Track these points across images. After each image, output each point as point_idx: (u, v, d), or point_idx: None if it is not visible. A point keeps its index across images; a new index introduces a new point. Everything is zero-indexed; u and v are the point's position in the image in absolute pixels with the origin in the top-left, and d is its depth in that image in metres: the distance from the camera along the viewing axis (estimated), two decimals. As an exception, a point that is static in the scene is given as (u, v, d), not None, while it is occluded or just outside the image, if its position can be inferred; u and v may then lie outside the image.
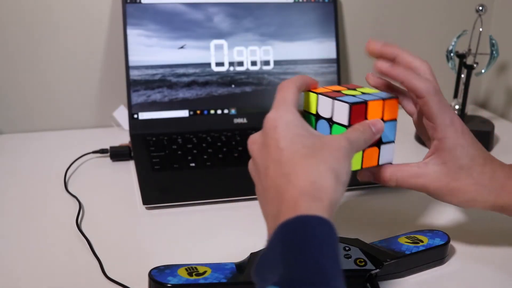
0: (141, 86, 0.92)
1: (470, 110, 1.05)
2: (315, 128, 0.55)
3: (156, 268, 0.54)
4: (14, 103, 0.96)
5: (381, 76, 0.56)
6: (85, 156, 0.86)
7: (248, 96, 0.97)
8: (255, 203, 0.71)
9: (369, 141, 0.51)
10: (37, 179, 0.80)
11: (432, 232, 0.63)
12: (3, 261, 0.60)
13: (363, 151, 0.54)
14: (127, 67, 0.92)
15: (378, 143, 0.55)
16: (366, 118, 0.53)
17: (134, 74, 0.92)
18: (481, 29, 0.92)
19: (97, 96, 0.99)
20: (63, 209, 0.71)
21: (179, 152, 0.85)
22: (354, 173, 0.55)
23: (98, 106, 0.99)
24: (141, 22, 0.92)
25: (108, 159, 0.87)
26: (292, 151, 0.45)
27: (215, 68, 0.95)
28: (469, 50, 0.95)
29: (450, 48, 0.95)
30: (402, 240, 0.61)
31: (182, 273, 0.53)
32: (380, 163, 0.56)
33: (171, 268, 0.54)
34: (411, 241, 0.60)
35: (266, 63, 0.98)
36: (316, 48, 0.99)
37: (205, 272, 0.54)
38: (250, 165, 0.51)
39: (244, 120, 0.96)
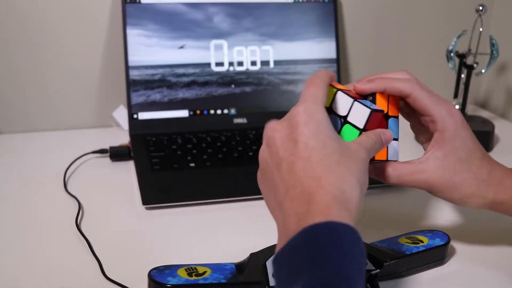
0: (141, 86, 0.92)
1: (470, 110, 1.05)
2: None
3: (156, 269, 0.54)
4: (14, 103, 0.95)
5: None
6: (84, 156, 0.86)
7: (248, 96, 0.97)
8: (255, 203, 0.71)
9: (379, 150, 0.51)
10: (36, 179, 0.79)
11: (432, 232, 0.63)
12: (3, 261, 0.60)
13: None
14: (127, 67, 0.91)
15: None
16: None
17: (134, 74, 0.92)
18: (481, 29, 0.92)
19: (97, 96, 0.99)
20: (63, 209, 0.71)
21: (179, 152, 0.85)
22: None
23: (97, 106, 0.99)
24: (141, 22, 0.92)
25: (108, 159, 0.87)
26: (324, 154, 0.44)
27: (215, 68, 0.95)
28: (469, 50, 0.95)
29: (450, 48, 0.95)
30: (402, 240, 0.61)
31: (182, 273, 0.53)
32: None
33: (171, 269, 0.54)
34: (411, 242, 0.60)
35: (266, 63, 0.97)
36: (316, 48, 0.99)
37: (204, 272, 0.54)
38: (265, 152, 0.49)
39: (244, 120, 0.96)
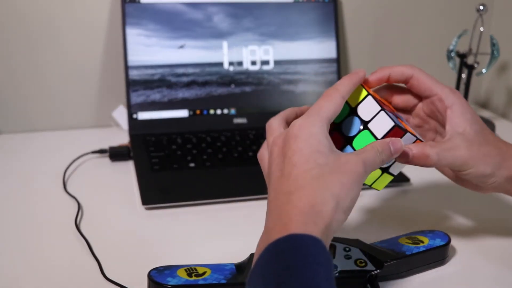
0: (141, 86, 0.92)
1: (470, 110, 1.05)
2: (343, 121, 0.53)
3: (156, 269, 0.54)
4: (13, 103, 0.95)
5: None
6: (84, 156, 0.86)
7: (248, 96, 0.96)
8: (255, 204, 0.71)
9: (387, 161, 0.50)
10: (36, 179, 0.79)
11: (432, 232, 0.63)
12: (2, 261, 0.60)
13: None
14: (126, 67, 0.91)
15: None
16: None
17: (134, 74, 0.92)
18: (481, 29, 0.92)
19: (96, 96, 0.99)
20: (62, 210, 0.71)
21: (179, 152, 0.85)
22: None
23: (97, 106, 0.99)
24: (141, 21, 0.92)
25: (107, 159, 0.86)
26: (303, 169, 0.45)
27: (215, 68, 0.95)
28: (470, 50, 0.95)
29: (451, 48, 0.95)
30: (403, 240, 0.61)
31: (182, 273, 0.53)
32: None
33: (171, 269, 0.54)
34: (411, 242, 0.60)
35: (266, 63, 0.97)
36: (316, 48, 0.99)
37: (204, 273, 0.54)
38: (266, 163, 0.51)
39: (244, 120, 0.96)
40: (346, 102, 0.53)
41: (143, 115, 0.92)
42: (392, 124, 0.51)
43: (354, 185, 0.45)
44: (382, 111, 0.52)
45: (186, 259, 0.58)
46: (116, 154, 0.86)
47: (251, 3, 0.96)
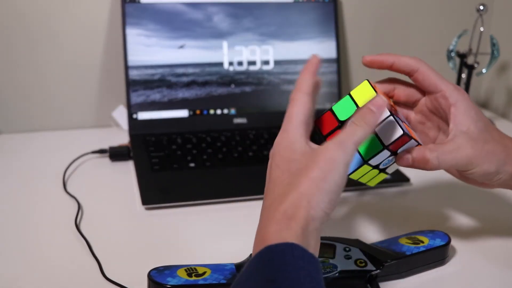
0: (140, 86, 0.92)
1: (470, 110, 1.05)
2: (348, 119, 0.51)
3: (156, 269, 0.54)
4: (13, 103, 0.95)
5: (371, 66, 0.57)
6: (84, 156, 0.86)
7: (248, 96, 0.96)
8: (255, 204, 0.71)
9: (373, 122, 0.48)
10: (36, 179, 0.79)
11: (432, 232, 0.63)
12: (2, 261, 0.60)
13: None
14: (126, 67, 0.91)
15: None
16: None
17: (133, 74, 0.92)
18: (482, 29, 0.92)
19: (96, 96, 0.98)
20: (62, 210, 0.71)
21: (179, 152, 0.85)
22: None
23: (97, 106, 0.99)
24: (141, 21, 0.91)
25: (107, 159, 0.86)
26: (279, 182, 0.47)
27: (215, 68, 0.95)
28: (470, 49, 0.94)
29: (451, 48, 0.95)
30: (403, 240, 0.61)
31: (182, 274, 0.53)
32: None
33: (171, 269, 0.54)
34: (411, 242, 0.60)
35: (266, 63, 0.97)
36: (316, 48, 0.99)
37: (204, 273, 0.54)
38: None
39: (244, 120, 0.96)
40: (353, 100, 0.52)
41: (143, 115, 0.92)
42: (401, 132, 0.50)
43: (326, 175, 0.44)
44: (391, 118, 0.51)
45: (186, 259, 0.58)
46: (116, 154, 0.86)
47: (251, 3, 0.96)
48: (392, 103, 0.57)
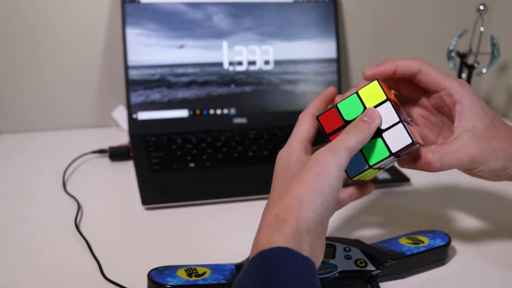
0: (140, 86, 0.92)
1: (470, 110, 1.04)
2: (355, 119, 0.51)
3: (155, 269, 0.54)
4: (13, 103, 0.95)
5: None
6: (84, 156, 0.86)
7: (248, 96, 0.96)
8: (255, 204, 0.71)
9: (367, 131, 0.49)
10: (35, 179, 0.79)
11: (433, 232, 0.63)
12: (2, 261, 0.60)
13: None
14: (126, 67, 0.91)
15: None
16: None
17: (133, 74, 0.92)
18: (482, 29, 0.92)
19: (96, 96, 0.98)
20: (62, 210, 0.71)
21: (179, 152, 0.85)
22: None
23: (97, 106, 0.99)
24: (140, 21, 0.91)
25: (107, 159, 0.86)
26: (275, 189, 0.49)
27: (215, 68, 0.95)
28: (470, 49, 0.94)
29: (451, 47, 0.95)
30: (403, 240, 0.61)
31: (182, 274, 0.53)
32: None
33: (171, 269, 0.54)
34: (411, 242, 0.60)
35: (266, 62, 0.97)
36: (316, 48, 0.99)
37: (204, 273, 0.53)
38: None
39: (244, 120, 0.96)
40: (360, 100, 0.51)
41: (143, 115, 0.92)
42: (410, 141, 0.50)
43: (317, 177, 0.46)
44: (401, 124, 0.50)
45: (186, 259, 0.58)
46: (116, 154, 0.86)
47: (251, 3, 0.96)
48: (395, 98, 0.56)
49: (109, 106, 0.98)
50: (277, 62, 0.98)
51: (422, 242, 0.60)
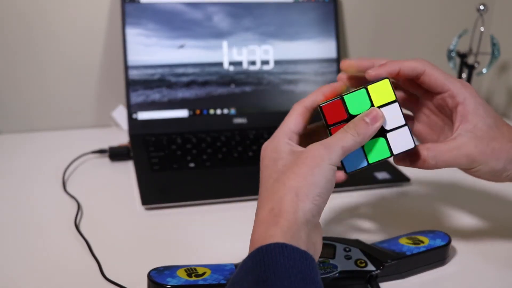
0: (140, 86, 0.92)
1: (471, 110, 1.04)
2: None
3: (155, 269, 0.54)
4: (13, 103, 0.95)
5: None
6: (83, 156, 0.86)
7: (248, 96, 0.96)
8: (255, 204, 0.71)
9: (366, 134, 0.49)
10: (35, 179, 0.79)
11: (433, 232, 0.63)
12: (2, 261, 0.60)
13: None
14: (126, 67, 0.91)
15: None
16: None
17: (133, 73, 0.92)
18: (482, 29, 0.92)
19: (96, 96, 0.98)
20: (62, 210, 0.71)
21: (179, 152, 0.85)
22: (355, 174, 0.54)
23: (97, 106, 0.99)
24: (140, 21, 0.91)
25: (107, 159, 0.86)
26: (266, 180, 0.49)
27: (215, 68, 0.95)
28: (470, 49, 0.94)
29: (451, 47, 0.95)
30: (403, 240, 0.61)
31: (182, 274, 0.53)
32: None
33: (170, 269, 0.54)
34: (412, 242, 0.60)
35: (266, 62, 0.97)
36: (316, 48, 0.99)
37: (204, 273, 0.53)
38: None
39: (244, 120, 0.96)
40: (368, 96, 0.51)
41: (143, 115, 0.92)
42: (413, 145, 0.50)
43: (313, 169, 0.46)
44: (407, 127, 0.50)
45: (186, 259, 0.58)
46: (116, 154, 0.86)
47: (251, 3, 0.96)
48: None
49: (109, 106, 0.98)
50: (277, 62, 0.98)
51: (422, 242, 0.60)
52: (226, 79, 0.95)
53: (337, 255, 0.57)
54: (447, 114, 0.56)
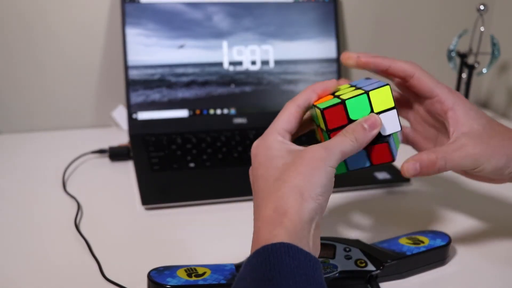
0: (140, 86, 0.92)
1: (471, 110, 1.04)
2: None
3: (155, 269, 0.54)
4: (13, 102, 0.95)
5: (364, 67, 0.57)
6: (83, 156, 0.86)
7: (248, 96, 0.96)
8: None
9: (363, 140, 0.49)
10: (35, 179, 0.79)
11: (433, 232, 0.63)
12: (2, 261, 0.60)
13: (369, 149, 0.51)
14: (126, 67, 0.91)
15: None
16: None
17: (133, 73, 0.92)
18: (482, 29, 0.92)
19: (96, 96, 0.98)
20: (62, 210, 0.71)
21: (179, 152, 0.85)
22: (355, 173, 0.54)
23: (97, 106, 0.99)
24: (140, 21, 0.91)
25: (107, 159, 0.86)
26: (265, 178, 0.48)
27: (215, 68, 0.95)
28: (470, 49, 0.94)
29: (451, 47, 0.95)
30: (403, 241, 0.61)
31: (182, 274, 0.53)
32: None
33: (170, 269, 0.54)
34: (412, 242, 0.60)
35: (266, 62, 0.97)
36: (316, 48, 0.99)
37: (204, 273, 0.53)
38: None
39: (244, 120, 0.96)
40: (369, 101, 0.51)
41: (142, 115, 0.92)
42: (391, 159, 0.51)
43: (314, 170, 0.46)
44: (399, 133, 0.52)
45: (186, 259, 0.58)
46: (116, 154, 0.86)
47: (251, 3, 0.96)
48: None
49: (109, 106, 0.98)
50: (277, 62, 0.98)
51: (422, 242, 0.60)
52: (226, 79, 0.95)
53: (337, 255, 0.57)
54: (439, 121, 0.56)
